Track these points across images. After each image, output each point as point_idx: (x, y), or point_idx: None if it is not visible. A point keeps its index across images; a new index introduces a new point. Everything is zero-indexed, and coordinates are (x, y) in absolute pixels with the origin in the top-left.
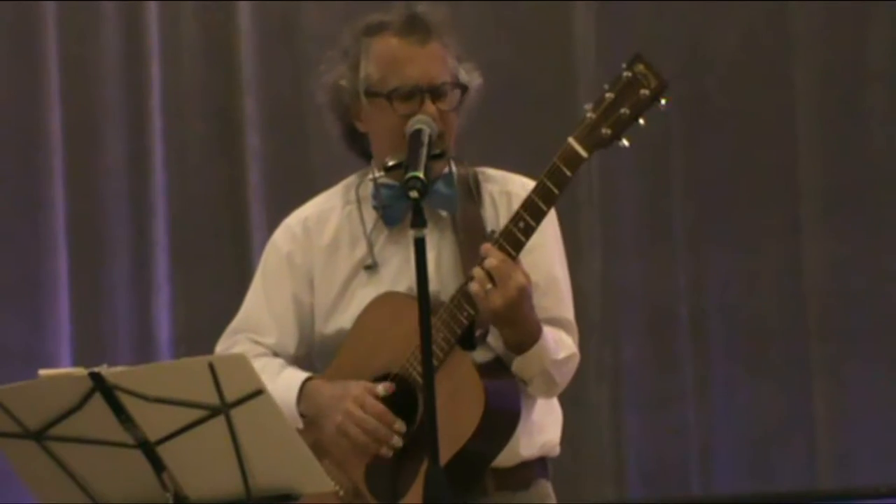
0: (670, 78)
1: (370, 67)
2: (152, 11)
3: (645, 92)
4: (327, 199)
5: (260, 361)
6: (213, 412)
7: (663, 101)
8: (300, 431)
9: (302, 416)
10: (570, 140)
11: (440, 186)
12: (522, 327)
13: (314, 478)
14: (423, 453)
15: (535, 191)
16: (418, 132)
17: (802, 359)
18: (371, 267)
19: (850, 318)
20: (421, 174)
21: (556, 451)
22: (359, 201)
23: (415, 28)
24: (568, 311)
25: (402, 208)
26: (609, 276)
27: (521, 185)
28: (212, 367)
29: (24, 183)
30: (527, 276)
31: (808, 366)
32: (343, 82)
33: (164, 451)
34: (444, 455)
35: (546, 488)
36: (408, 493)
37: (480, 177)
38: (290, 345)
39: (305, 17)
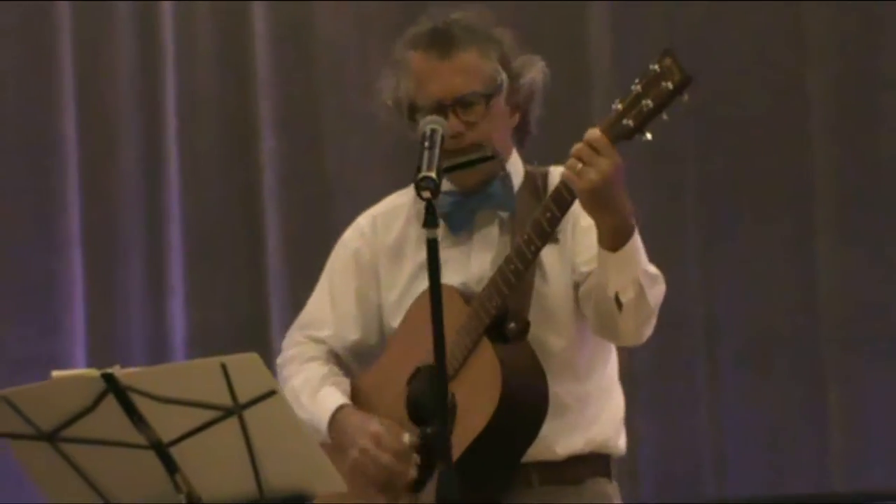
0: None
1: (404, 84)
2: (167, 15)
3: (668, 85)
4: (398, 197)
5: (302, 376)
6: (226, 413)
7: (686, 96)
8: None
9: (332, 439)
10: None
11: (496, 188)
12: (619, 209)
13: (327, 478)
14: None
15: (562, 182)
16: (432, 132)
17: (816, 364)
18: None
19: (864, 323)
20: (433, 174)
21: (615, 449)
22: None
23: (435, 41)
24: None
25: (464, 215)
26: None
27: None
28: (224, 368)
29: (39, 187)
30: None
31: (821, 371)
32: (389, 102)
33: (177, 452)
34: (460, 446)
35: (604, 487)
36: (423, 490)
37: (550, 176)
38: (348, 336)
39: (319, 19)
